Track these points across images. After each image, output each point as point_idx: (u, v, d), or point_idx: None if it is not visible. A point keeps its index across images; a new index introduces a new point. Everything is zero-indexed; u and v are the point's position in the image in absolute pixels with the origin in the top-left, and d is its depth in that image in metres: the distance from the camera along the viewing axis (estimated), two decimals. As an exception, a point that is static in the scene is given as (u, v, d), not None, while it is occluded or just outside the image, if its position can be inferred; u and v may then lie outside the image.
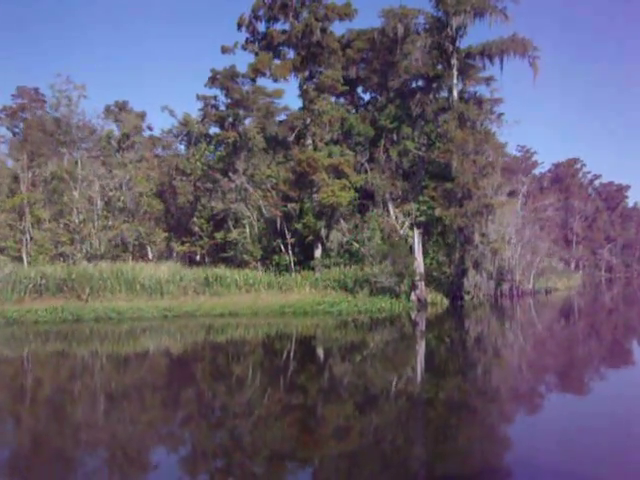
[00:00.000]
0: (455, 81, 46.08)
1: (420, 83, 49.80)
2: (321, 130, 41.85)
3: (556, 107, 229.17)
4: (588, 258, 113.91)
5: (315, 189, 40.99)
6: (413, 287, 35.57)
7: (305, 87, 43.37)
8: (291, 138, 43.45)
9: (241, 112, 47.90)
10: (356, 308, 34.27)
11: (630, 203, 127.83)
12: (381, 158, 46.43)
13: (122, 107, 65.15)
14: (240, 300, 36.36)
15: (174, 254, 50.89)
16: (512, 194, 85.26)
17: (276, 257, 43.77)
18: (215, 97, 51.33)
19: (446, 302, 38.13)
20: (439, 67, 47.69)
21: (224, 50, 43.93)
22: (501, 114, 56.67)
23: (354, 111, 51.77)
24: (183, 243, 50.98)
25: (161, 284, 37.47)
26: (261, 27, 45.76)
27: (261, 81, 45.00)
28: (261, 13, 44.35)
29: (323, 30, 41.29)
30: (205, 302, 34.56)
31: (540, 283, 52.41)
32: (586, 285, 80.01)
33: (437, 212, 38.19)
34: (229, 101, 48.96)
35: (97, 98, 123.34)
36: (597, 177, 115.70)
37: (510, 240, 47.43)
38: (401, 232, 43.89)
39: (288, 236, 42.56)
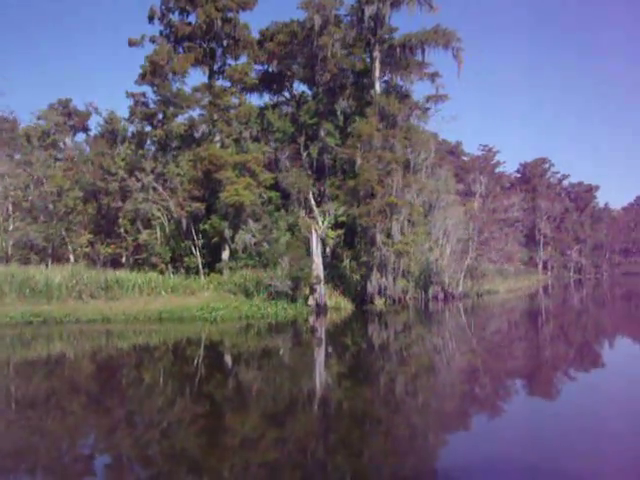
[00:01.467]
0: (377, 74, 44.06)
1: (350, 77, 47.86)
2: (228, 126, 39.67)
3: (526, 107, 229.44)
4: (557, 259, 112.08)
5: (222, 188, 38.85)
6: (311, 291, 33.47)
7: (210, 81, 41.22)
8: (198, 134, 41.24)
9: (171, 109, 45.76)
10: (248, 313, 32.28)
11: (601, 204, 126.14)
12: (303, 155, 44.45)
13: (65, 105, 63.09)
14: (131, 305, 34.24)
15: (101, 257, 48.77)
16: (469, 193, 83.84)
17: (187, 259, 41.66)
18: (144, 94, 49.28)
19: (351, 307, 36.08)
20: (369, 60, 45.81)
21: (131, 43, 41.70)
22: (438, 110, 55.11)
23: (288, 107, 49.86)
24: (109, 245, 48.83)
25: (52, 288, 35.41)
26: (175, 19, 43.63)
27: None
28: (171, 4, 42.17)
29: (227, 20, 39.10)
30: (82, 307, 32.37)
31: (476, 286, 50.35)
32: (549, 287, 78.10)
33: (339, 211, 36.14)
34: (159, 98, 46.94)
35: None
36: (566, 177, 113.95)
37: (438, 241, 45.47)
38: (320, 233, 41.83)
39: (196, 237, 40.45)
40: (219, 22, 38.23)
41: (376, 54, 43.81)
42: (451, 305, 42.61)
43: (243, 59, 43.91)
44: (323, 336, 28.65)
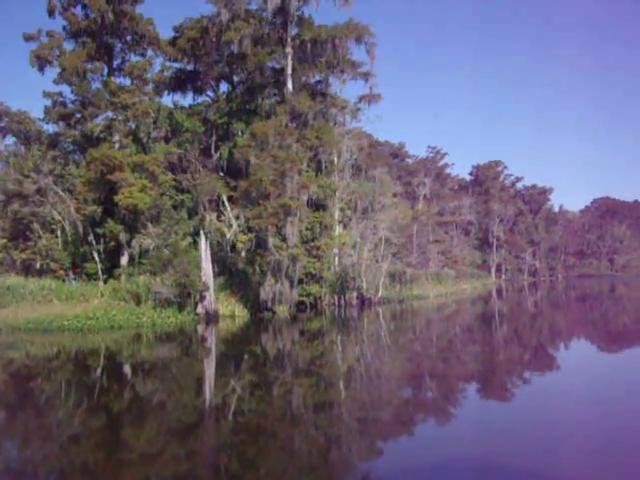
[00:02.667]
0: (289, 71, 42.39)
1: (270, 76, 46.14)
2: (124, 125, 37.69)
3: (483, 109, 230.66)
4: (511, 262, 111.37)
5: (118, 190, 36.84)
6: (201, 299, 31.58)
7: (106, 79, 39.22)
8: (96, 133, 39.13)
9: (89, 109, 43.60)
10: (126, 322, 30.27)
11: (556, 206, 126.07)
12: (214, 156, 42.61)
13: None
14: (14, 313, 32.15)
15: (17, 262, 46.39)
16: (413, 196, 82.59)
17: (87, 265, 39.54)
18: (60, 93, 47.08)
19: (247, 315, 34.28)
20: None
21: (27, 38, 39.52)
22: (358, 109, 53.72)
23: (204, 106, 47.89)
24: (22, 250, 46.46)
25: None
26: (79, 13, 41.51)
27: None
28: (71, -2, 40.08)
29: (122, 14, 37.06)
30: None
31: (404, 291, 48.91)
32: (494, 291, 76.79)
33: (233, 213, 34.32)
34: (76, 98, 44.79)
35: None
36: (519, 179, 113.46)
37: (355, 245, 43.85)
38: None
39: (95, 242, 38.39)
40: (110, 15, 36.19)
41: (289, 50, 42.17)
42: (369, 311, 41.02)
43: (159, 57, 42.14)
44: (212, 346, 26.88)
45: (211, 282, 31.64)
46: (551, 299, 59.48)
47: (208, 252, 31.58)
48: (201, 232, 32.16)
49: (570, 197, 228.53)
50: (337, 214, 46.06)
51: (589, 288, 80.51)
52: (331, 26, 41.11)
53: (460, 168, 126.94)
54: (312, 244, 40.02)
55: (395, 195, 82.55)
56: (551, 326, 33.48)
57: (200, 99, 49.55)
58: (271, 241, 31.90)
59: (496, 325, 34.10)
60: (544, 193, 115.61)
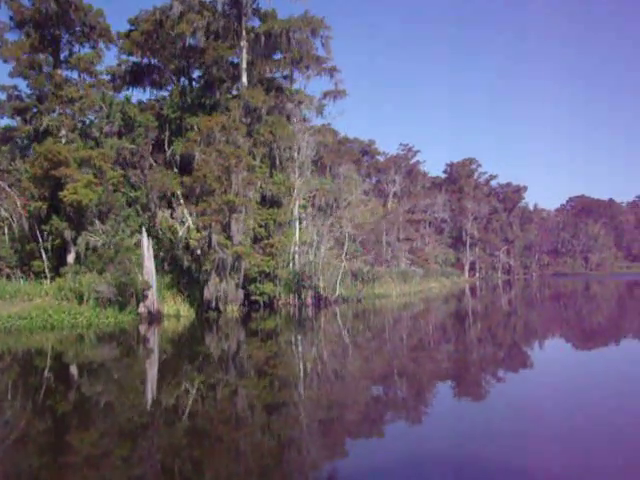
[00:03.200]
0: (244, 65, 41.52)
1: (229, 70, 45.16)
2: (71, 120, 36.64)
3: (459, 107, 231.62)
4: (485, 260, 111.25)
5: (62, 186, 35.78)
6: (143, 298, 30.67)
7: (51, 71, 38.14)
8: (42, 128, 38.03)
9: (46, 104, 42.42)
10: (61, 323, 29.26)
11: (530, 205, 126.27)
12: (168, 152, 41.62)
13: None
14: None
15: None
16: (382, 193, 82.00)
17: (34, 263, 38.43)
18: (15, 87, 45.85)
19: (193, 314, 33.43)
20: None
21: (-33, 29, 38.28)
22: (323, 105, 53.13)
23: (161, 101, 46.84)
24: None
25: None
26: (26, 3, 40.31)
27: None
28: (18, -13, 38.84)
29: (67, 4, 35.91)
30: None
31: (365, 290, 48.23)
32: (466, 289, 76.33)
33: (187, 210, 33.44)
34: (32, 92, 43.58)
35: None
36: (493, 177, 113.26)
37: (313, 243, 43.12)
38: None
39: (41, 240, 37.31)
40: (53, 5, 35.08)
41: (243, 43, 41.31)
42: (326, 310, 40.28)
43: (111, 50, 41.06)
44: (155, 347, 26.04)
45: (153, 281, 30.73)
46: (522, 297, 59.03)
47: (150, 250, 30.68)
48: (143, 229, 31.21)
49: (546, 196, 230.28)
50: (297, 211, 45.31)
51: (562, 286, 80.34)
52: (285, 19, 40.30)
53: (436, 167, 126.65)
54: (266, 242, 39.29)
55: (367, 193, 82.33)
56: (512, 325, 32.85)
57: (162, 93, 48.43)
58: (215, 239, 31.03)
59: (456, 323, 33.50)
60: (518, 191, 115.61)
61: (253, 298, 39.83)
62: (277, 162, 39.32)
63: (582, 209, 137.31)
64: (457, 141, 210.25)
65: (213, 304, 33.21)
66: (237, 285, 32.35)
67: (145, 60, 45.55)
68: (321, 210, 60.24)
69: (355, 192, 63.21)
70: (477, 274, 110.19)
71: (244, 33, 41.04)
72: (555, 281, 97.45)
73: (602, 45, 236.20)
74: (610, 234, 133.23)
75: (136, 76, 45.99)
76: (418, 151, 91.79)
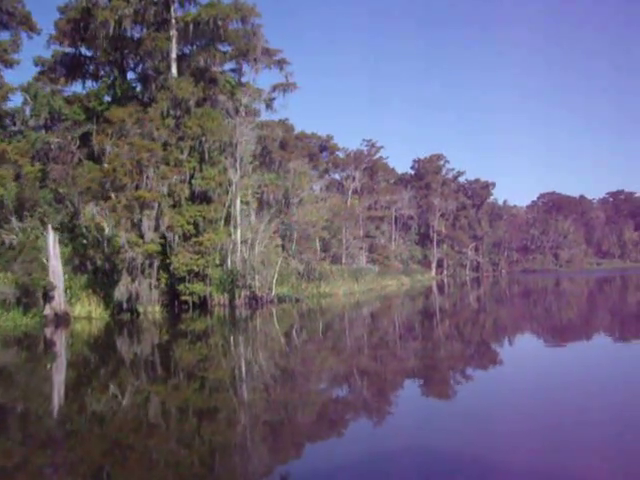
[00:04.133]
0: (174, 55, 39.80)
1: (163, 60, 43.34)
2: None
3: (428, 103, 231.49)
4: (453, 257, 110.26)
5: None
6: (48, 299, 28.95)
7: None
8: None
9: None
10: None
11: (500, 201, 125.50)
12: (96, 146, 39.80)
13: None
14: None
15: None
16: (342, 190, 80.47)
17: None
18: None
19: (106, 316, 31.75)
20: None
21: None
22: (269, 99, 51.73)
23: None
24: None
25: None
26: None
27: None
28: None
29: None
30: None
31: (305, 290, 46.72)
32: (431, 287, 75.02)
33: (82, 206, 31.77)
34: None
35: None
36: (461, 173, 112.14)
37: (248, 241, 41.51)
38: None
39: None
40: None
41: (172, 32, 39.57)
42: (262, 311, 38.70)
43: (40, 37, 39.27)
44: (62, 350, 24.42)
45: (60, 280, 29.02)
46: (484, 295, 57.65)
47: (57, 248, 28.96)
48: (49, 226, 29.46)
49: (518, 193, 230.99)
50: (237, 208, 43.78)
51: (529, 283, 78.94)
52: (215, 6, 38.63)
53: (407, 163, 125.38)
54: (195, 239, 37.70)
55: (328, 189, 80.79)
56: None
57: (95, 85, 46.48)
58: (124, 237, 29.34)
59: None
60: (487, 187, 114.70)
61: (183, 298, 38.36)
62: (206, 156, 37.57)
63: (553, 205, 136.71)
64: (428, 139, 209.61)
65: (129, 305, 31.55)
66: (152, 285, 30.64)
67: (78, 50, 43.69)
68: (270, 206, 58.80)
69: (307, 188, 61.90)
70: (445, 271, 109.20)
71: (173, 22, 39.31)
72: (523, 278, 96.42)
73: (577, 37, 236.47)
74: (580, 231, 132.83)
75: (71, 68, 44.02)
76: (381, 147, 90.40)
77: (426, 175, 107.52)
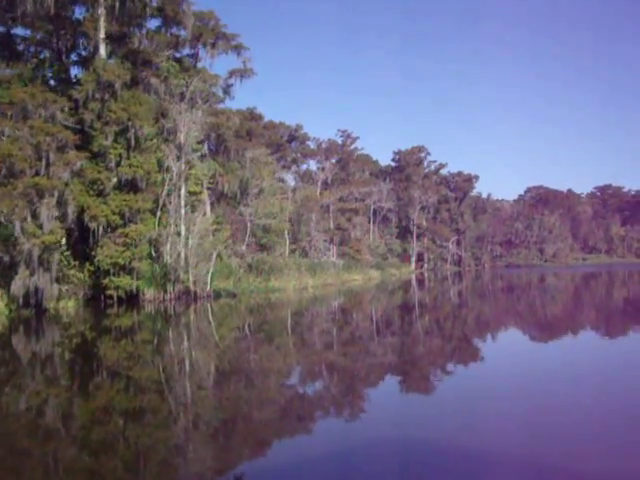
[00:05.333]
0: (102, 35, 37.45)
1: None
2: None
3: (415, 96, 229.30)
4: (434, 251, 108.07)
5: None
6: None
7: None
8: None
9: None
10: None
11: (484, 195, 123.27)
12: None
13: None
14: None
15: None
16: (310, 180, 78.15)
17: None
18: None
19: (8, 312, 29.57)
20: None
21: None
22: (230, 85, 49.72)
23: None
24: None
25: None
26: None
27: None
28: None
29: None
30: None
31: (257, 283, 44.63)
32: (404, 281, 72.78)
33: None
34: None
35: None
36: (443, 166, 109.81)
37: (180, 233, 39.31)
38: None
39: None
40: None
41: (101, 11, 37.21)
42: (197, 306, 36.57)
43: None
44: None
45: None
46: (464, 290, 55.20)
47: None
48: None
49: (507, 187, 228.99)
50: (183, 198, 41.72)
51: (509, 278, 76.68)
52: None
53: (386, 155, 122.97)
54: (120, 230, 35.57)
55: (303, 179, 78.50)
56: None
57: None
58: (19, 226, 27.14)
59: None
60: (469, 180, 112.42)
61: (108, 293, 36.30)
62: (132, 142, 35.34)
63: (539, 200, 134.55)
64: (416, 133, 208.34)
65: (37, 300, 29.33)
66: (52, 278, 28.42)
67: (8, 29, 41.27)
68: (227, 197, 56.59)
69: (268, 178, 59.65)
70: (426, 265, 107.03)
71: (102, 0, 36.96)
72: (504, 273, 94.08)
73: (562, 28, 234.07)
74: (567, 225, 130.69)
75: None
76: (357, 137, 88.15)
77: (407, 167, 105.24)
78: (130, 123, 35.12)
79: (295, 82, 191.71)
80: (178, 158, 41.30)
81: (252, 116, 72.79)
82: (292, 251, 68.78)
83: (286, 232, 67.98)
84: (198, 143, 49.96)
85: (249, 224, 53.51)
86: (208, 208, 54.82)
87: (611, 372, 15.00)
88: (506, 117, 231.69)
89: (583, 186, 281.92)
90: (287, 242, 67.80)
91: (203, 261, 38.98)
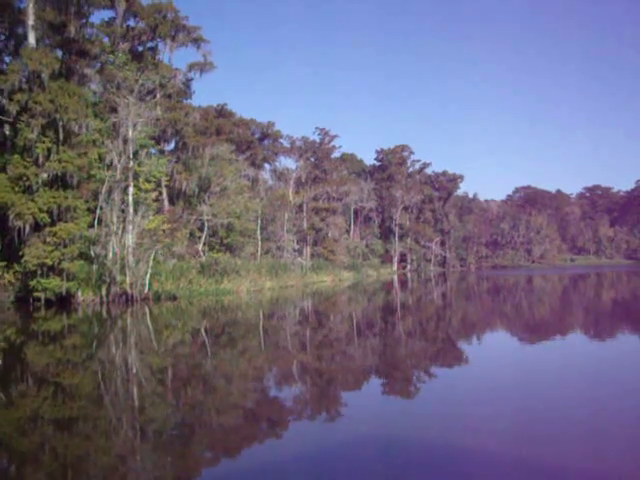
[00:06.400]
0: (32, 22, 35.47)
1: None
2: None
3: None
4: (417, 252, 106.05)
5: None
6: None
7: None
8: None
9: None
10: None
11: (471, 195, 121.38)
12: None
13: None
14: None
15: None
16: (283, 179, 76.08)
17: None
18: None
19: None
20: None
21: None
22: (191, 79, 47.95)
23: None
24: None
25: None
26: None
27: None
28: None
29: None
30: None
31: (209, 285, 42.70)
32: (384, 283, 70.66)
33: None
34: None
35: None
36: (427, 165, 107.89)
37: (118, 232, 37.34)
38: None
39: None
40: None
41: (30, -2, 35.29)
42: (134, 309, 34.54)
43: None
44: None
45: None
46: (442, 294, 52.74)
47: None
48: None
49: (497, 187, 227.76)
50: (131, 196, 39.91)
51: (494, 280, 74.26)
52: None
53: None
54: (48, 229, 33.66)
55: (279, 178, 76.48)
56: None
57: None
58: None
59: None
60: (454, 180, 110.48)
61: (36, 295, 34.40)
62: (61, 136, 33.43)
63: (528, 200, 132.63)
64: (404, 133, 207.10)
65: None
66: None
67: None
68: (186, 195, 54.61)
69: (231, 177, 57.66)
70: (408, 266, 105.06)
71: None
72: (489, 274, 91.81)
73: (550, 25, 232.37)
74: (555, 226, 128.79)
75: None
76: (336, 136, 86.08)
77: (389, 166, 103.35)
78: (58, 115, 33.16)
79: (275, 80, 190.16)
80: (122, 154, 39.41)
81: (222, 113, 70.90)
82: (266, 252, 66.95)
83: (258, 232, 66.13)
84: (152, 139, 48.11)
85: (206, 223, 51.56)
86: (166, 206, 53.00)
87: (597, 374, 14.81)
88: (498, 117, 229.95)
89: (573, 187, 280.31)
90: (260, 242, 65.92)
91: (143, 262, 37.04)
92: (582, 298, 42.42)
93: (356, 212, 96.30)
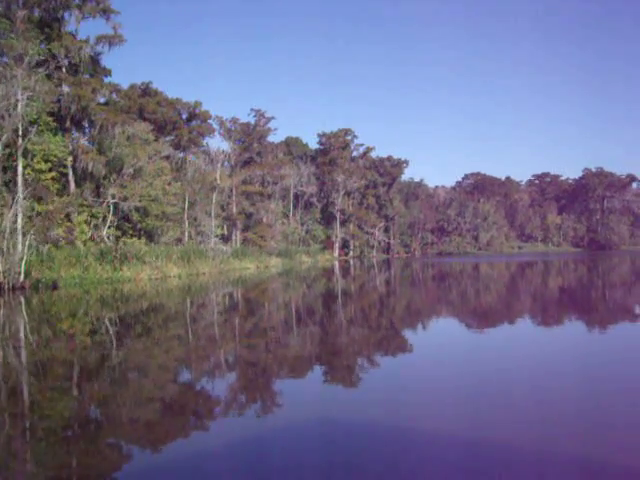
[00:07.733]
0: None
1: None
2: None
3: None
4: (360, 238, 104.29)
5: None
6: None
7: None
8: None
9: None
10: None
11: (416, 179, 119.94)
12: None
13: None
14: None
15: None
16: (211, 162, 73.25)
17: None
18: None
19: None
20: None
21: None
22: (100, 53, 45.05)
23: None
24: None
25: None
26: None
27: None
28: None
29: None
30: None
31: (94, 274, 39.89)
32: (317, 270, 68.29)
33: None
34: None
35: None
36: (370, 149, 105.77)
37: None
38: None
39: None
40: None
41: None
42: (7, 300, 31.65)
43: None
44: None
45: None
46: (375, 278, 50.54)
47: None
48: None
49: (448, 174, 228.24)
50: (20, 176, 37.08)
51: (438, 267, 72.37)
52: None
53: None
54: None
55: (212, 161, 73.45)
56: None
57: None
58: None
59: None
60: (398, 165, 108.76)
61: None
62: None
63: (476, 187, 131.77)
64: (350, 117, 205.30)
65: None
66: None
67: None
68: (92, 177, 51.61)
69: (145, 158, 54.74)
70: (351, 252, 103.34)
71: None
72: (433, 261, 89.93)
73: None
74: (503, 213, 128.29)
75: None
76: (272, 118, 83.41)
77: (331, 150, 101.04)
78: None
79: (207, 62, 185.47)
80: (4, 129, 36.49)
81: (146, 92, 67.71)
82: (191, 237, 64.51)
83: (185, 217, 63.55)
84: (51, 115, 45.15)
85: (111, 207, 48.75)
86: (72, 188, 49.98)
87: (542, 358, 14.52)
88: (449, 102, 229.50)
89: (524, 174, 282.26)
90: (187, 228, 63.40)
91: (15, 248, 34.22)
92: (528, 285, 41.15)
93: (297, 197, 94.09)
